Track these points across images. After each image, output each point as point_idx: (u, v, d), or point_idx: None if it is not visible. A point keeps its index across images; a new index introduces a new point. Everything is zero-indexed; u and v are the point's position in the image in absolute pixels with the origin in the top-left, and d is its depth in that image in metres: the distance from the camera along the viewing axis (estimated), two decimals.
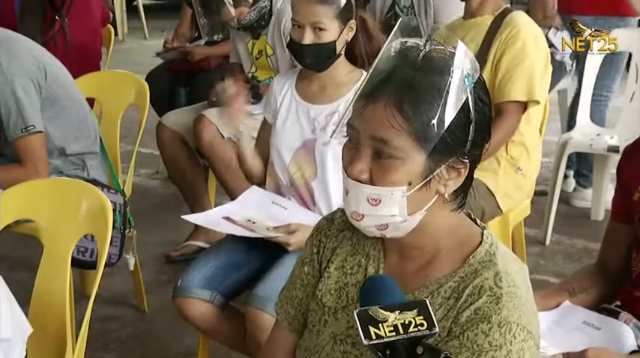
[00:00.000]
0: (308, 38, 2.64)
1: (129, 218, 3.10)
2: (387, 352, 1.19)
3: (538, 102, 3.09)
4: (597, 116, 4.50)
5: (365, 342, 1.18)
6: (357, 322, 1.19)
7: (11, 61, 2.98)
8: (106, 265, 2.29)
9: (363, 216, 1.40)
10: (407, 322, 1.19)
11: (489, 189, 3.03)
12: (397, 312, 1.20)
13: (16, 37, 3.15)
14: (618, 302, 2.17)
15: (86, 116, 3.25)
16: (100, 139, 3.30)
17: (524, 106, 3.06)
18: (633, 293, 2.10)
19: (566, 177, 4.74)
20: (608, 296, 2.19)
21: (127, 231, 3.07)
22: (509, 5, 3.21)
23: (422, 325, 1.19)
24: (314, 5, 2.63)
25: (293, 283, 1.63)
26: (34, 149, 3.01)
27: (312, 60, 2.67)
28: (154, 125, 4.00)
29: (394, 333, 1.18)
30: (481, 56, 3.04)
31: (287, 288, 1.65)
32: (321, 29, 2.64)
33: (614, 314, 2.11)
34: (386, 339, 1.18)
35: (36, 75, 3.03)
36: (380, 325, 1.19)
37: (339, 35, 2.66)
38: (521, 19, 3.10)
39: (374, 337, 1.18)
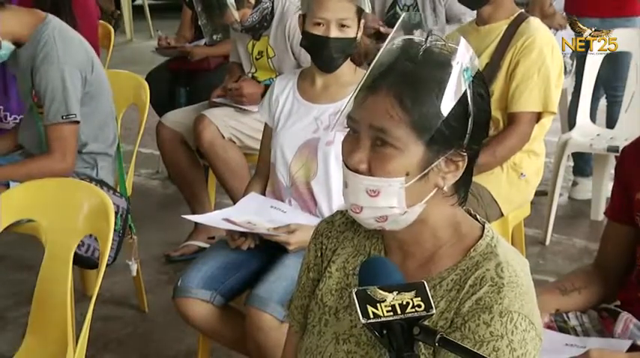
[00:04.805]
0: (334, 33, 2.65)
1: (130, 224, 3.12)
2: (384, 332, 1.20)
3: (554, 113, 3.10)
4: (614, 117, 4.50)
5: (363, 321, 1.19)
6: (356, 301, 1.20)
7: (66, 48, 3.06)
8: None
9: (362, 208, 1.41)
10: (405, 303, 1.20)
11: (493, 197, 3.04)
12: (395, 293, 1.21)
13: (70, 28, 3.22)
14: (618, 303, 2.17)
15: (111, 120, 3.30)
16: (118, 145, 3.33)
17: (538, 116, 3.07)
18: (634, 294, 2.10)
19: (575, 184, 4.75)
20: (605, 296, 2.18)
21: (128, 238, 3.09)
22: (523, 11, 3.20)
23: (419, 306, 1.20)
24: (342, 1, 2.65)
25: (301, 291, 1.63)
26: (67, 137, 3.05)
27: (336, 55, 2.68)
28: (154, 125, 4.00)
29: (392, 313, 1.19)
30: (495, 63, 3.05)
31: (296, 297, 1.65)
32: (345, 25, 2.66)
33: (614, 314, 2.11)
34: (383, 319, 1.19)
35: (85, 67, 3.10)
36: (378, 305, 1.20)
37: (357, 32, 2.68)
38: (536, 26, 3.09)
39: (372, 316, 1.19)
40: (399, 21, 1.45)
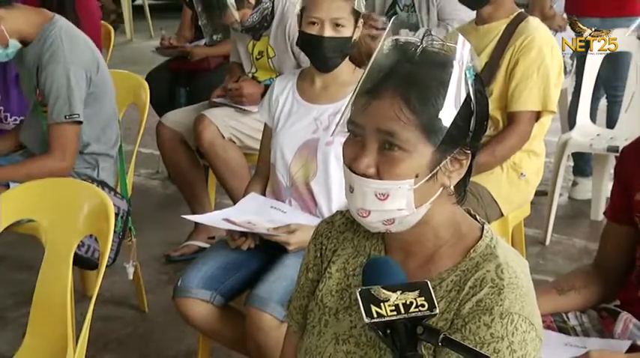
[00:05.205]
0: (328, 32, 2.65)
1: (130, 226, 3.12)
2: (388, 331, 1.21)
3: (553, 112, 3.10)
4: (614, 117, 4.51)
5: (366, 320, 1.19)
6: (360, 300, 1.20)
7: (72, 48, 3.07)
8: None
9: (369, 212, 1.40)
10: (408, 302, 1.20)
11: (493, 197, 3.04)
12: (399, 292, 1.21)
13: (76, 28, 3.24)
14: (618, 302, 2.17)
15: (114, 121, 3.30)
16: (120, 147, 3.33)
17: (537, 115, 3.07)
18: (634, 294, 2.10)
19: (575, 184, 4.75)
20: (605, 296, 2.18)
21: (127, 240, 3.09)
22: (522, 10, 3.20)
23: (423, 306, 1.20)
24: (337, 1, 2.65)
25: (300, 292, 1.63)
26: (68, 137, 3.06)
27: (331, 54, 2.68)
28: (154, 125, 4.00)
29: (395, 313, 1.20)
30: (494, 62, 3.05)
31: (295, 298, 1.65)
32: (339, 25, 2.66)
33: (614, 314, 2.11)
34: (387, 318, 1.19)
35: (90, 67, 3.12)
36: (382, 304, 1.20)
37: (353, 32, 2.68)
38: (535, 26, 3.09)
39: (375, 316, 1.19)
40: (390, 24, 1.45)
